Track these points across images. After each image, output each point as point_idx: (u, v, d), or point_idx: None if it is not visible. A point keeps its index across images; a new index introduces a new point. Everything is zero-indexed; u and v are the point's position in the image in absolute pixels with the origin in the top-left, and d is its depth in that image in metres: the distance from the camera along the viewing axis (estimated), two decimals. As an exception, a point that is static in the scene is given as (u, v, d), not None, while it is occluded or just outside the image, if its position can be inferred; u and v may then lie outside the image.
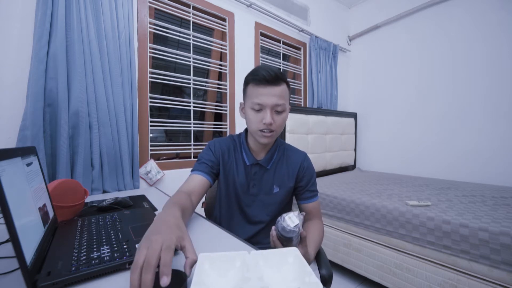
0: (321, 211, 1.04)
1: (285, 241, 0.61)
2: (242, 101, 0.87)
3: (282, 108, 0.78)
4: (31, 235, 0.49)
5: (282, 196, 0.89)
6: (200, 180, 0.81)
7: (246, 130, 0.91)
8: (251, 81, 0.78)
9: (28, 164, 0.58)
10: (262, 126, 0.77)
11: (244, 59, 2.07)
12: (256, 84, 0.76)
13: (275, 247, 0.63)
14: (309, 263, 0.72)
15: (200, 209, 1.06)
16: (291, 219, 0.61)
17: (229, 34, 1.97)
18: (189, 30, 1.79)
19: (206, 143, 1.96)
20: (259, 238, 0.89)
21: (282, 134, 2.14)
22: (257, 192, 0.88)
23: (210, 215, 1.10)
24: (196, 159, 0.89)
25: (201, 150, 1.92)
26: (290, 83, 2.58)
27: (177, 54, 1.74)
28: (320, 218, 0.92)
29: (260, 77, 0.75)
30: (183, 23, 1.85)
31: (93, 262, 0.49)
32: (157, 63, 1.79)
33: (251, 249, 0.63)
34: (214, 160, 0.86)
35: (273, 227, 0.63)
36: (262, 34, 2.25)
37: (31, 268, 0.43)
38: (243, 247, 0.64)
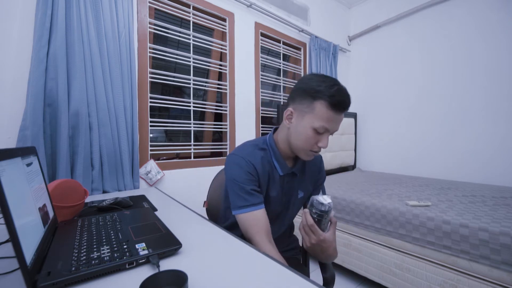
0: None
1: (319, 218, 0.64)
2: (291, 107, 0.75)
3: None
4: (31, 235, 0.49)
5: (304, 200, 0.90)
6: (265, 216, 0.74)
7: (272, 135, 0.83)
8: (325, 100, 0.67)
9: (28, 164, 0.58)
10: (316, 148, 0.72)
11: (244, 59, 2.07)
12: (330, 107, 0.67)
13: (307, 238, 0.67)
14: (335, 258, 0.75)
15: (201, 209, 1.06)
16: (324, 198, 0.63)
17: (229, 34, 1.97)
18: (189, 30, 1.79)
19: (206, 143, 1.98)
20: (277, 243, 0.86)
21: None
22: (287, 200, 0.85)
23: (212, 215, 1.09)
24: (231, 180, 0.76)
25: (201, 150, 1.94)
26: (290, 83, 2.59)
27: (177, 54, 1.74)
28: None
29: (339, 102, 0.67)
30: (183, 23, 1.85)
31: (93, 262, 0.49)
32: (157, 63, 1.79)
33: (252, 250, 0.63)
34: (258, 181, 0.76)
35: (305, 210, 0.66)
36: (262, 34, 2.25)
37: (31, 268, 0.43)
38: (243, 247, 0.64)
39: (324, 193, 0.87)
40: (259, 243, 0.69)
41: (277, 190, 0.80)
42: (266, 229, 0.72)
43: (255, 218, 0.72)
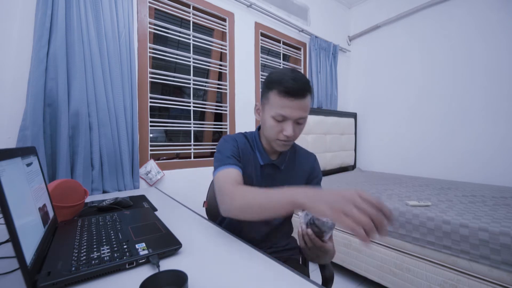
0: None
1: (321, 233, 0.61)
2: (258, 102, 0.81)
3: (304, 120, 0.75)
4: (31, 235, 0.49)
5: None
6: (239, 174, 0.73)
7: (258, 128, 0.88)
8: (277, 88, 0.70)
9: (28, 164, 0.58)
10: (282, 137, 0.74)
11: (244, 59, 2.07)
12: (281, 94, 0.69)
13: (306, 246, 0.64)
14: (333, 257, 0.74)
15: (201, 209, 1.06)
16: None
17: (229, 34, 1.97)
18: (189, 30, 1.79)
19: (206, 143, 1.98)
20: (271, 238, 0.88)
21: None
22: None
23: (212, 215, 1.08)
24: (217, 152, 0.81)
25: (201, 150, 1.94)
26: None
27: (177, 54, 1.74)
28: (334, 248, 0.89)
29: (287, 88, 0.68)
30: (183, 23, 1.85)
31: (93, 262, 0.49)
32: (157, 63, 1.79)
33: (252, 250, 0.63)
34: (239, 154, 0.80)
35: (301, 226, 0.62)
36: (262, 34, 2.26)
37: (31, 268, 0.43)
38: (243, 247, 0.64)
39: None
40: (230, 189, 0.67)
41: (257, 178, 0.83)
42: (240, 181, 0.71)
43: (229, 172, 0.72)
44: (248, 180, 0.81)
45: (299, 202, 0.52)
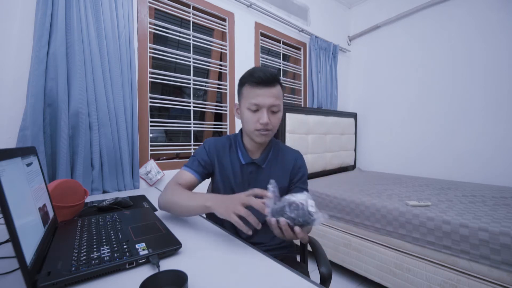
0: None
1: (303, 225, 0.57)
2: (237, 102, 0.88)
3: (277, 108, 0.80)
4: (31, 235, 0.49)
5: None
6: (190, 177, 0.84)
7: (241, 130, 0.93)
8: (248, 82, 0.79)
9: (28, 164, 0.58)
10: (259, 126, 0.79)
11: (244, 59, 2.07)
12: (252, 85, 0.78)
13: (284, 236, 0.61)
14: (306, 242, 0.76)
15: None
16: (309, 203, 0.57)
17: (229, 34, 1.97)
18: (189, 30, 1.79)
19: (206, 142, 1.98)
20: (259, 237, 0.89)
21: (282, 135, 2.14)
22: None
23: (212, 215, 1.09)
24: (191, 157, 0.91)
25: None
26: (290, 83, 2.59)
27: (177, 54, 1.74)
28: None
29: (257, 78, 0.76)
30: (183, 23, 1.85)
31: (93, 262, 0.49)
32: (157, 63, 1.79)
33: (252, 249, 0.63)
34: (207, 160, 0.87)
35: (281, 219, 0.58)
36: (262, 34, 2.25)
37: (31, 268, 0.43)
38: (245, 248, 0.64)
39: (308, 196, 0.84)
40: (168, 186, 0.81)
41: (237, 175, 0.88)
42: (184, 184, 0.82)
43: (182, 174, 0.85)
44: (226, 181, 0.88)
45: (207, 205, 0.66)
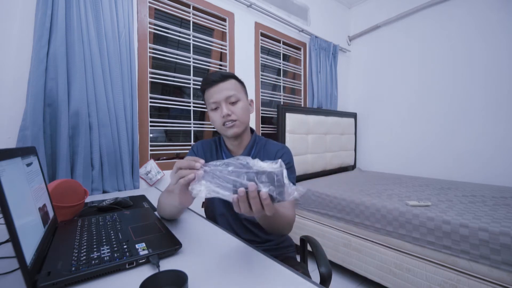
0: (299, 208, 1.01)
1: (276, 200, 0.47)
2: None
3: (235, 98, 0.82)
4: (31, 235, 0.49)
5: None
6: None
7: None
8: (204, 88, 0.85)
9: (28, 164, 0.58)
10: (222, 120, 0.82)
11: (244, 59, 2.07)
12: (208, 88, 0.83)
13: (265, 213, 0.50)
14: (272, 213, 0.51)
15: (200, 210, 1.06)
16: (284, 174, 0.46)
17: (229, 34, 1.97)
18: (189, 30, 1.79)
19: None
20: (253, 234, 0.89)
21: (282, 135, 2.14)
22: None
23: (210, 215, 1.09)
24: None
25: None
26: (290, 83, 2.59)
27: (177, 54, 1.74)
28: (293, 211, 0.80)
29: (208, 81, 0.82)
30: (183, 23, 1.85)
31: (93, 262, 0.49)
32: (157, 63, 1.79)
33: (252, 249, 0.63)
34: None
35: (262, 191, 0.45)
36: (262, 34, 2.25)
37: (31, 268, 0.43)
38: (243, 247, 0.64)
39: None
40: (162, 193, 0.83)
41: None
42: None
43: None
44: None
45: (169, 189, 0.70)
